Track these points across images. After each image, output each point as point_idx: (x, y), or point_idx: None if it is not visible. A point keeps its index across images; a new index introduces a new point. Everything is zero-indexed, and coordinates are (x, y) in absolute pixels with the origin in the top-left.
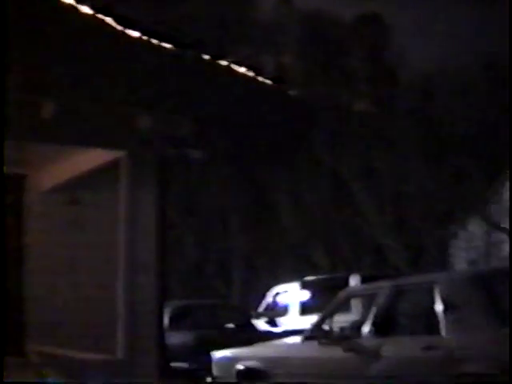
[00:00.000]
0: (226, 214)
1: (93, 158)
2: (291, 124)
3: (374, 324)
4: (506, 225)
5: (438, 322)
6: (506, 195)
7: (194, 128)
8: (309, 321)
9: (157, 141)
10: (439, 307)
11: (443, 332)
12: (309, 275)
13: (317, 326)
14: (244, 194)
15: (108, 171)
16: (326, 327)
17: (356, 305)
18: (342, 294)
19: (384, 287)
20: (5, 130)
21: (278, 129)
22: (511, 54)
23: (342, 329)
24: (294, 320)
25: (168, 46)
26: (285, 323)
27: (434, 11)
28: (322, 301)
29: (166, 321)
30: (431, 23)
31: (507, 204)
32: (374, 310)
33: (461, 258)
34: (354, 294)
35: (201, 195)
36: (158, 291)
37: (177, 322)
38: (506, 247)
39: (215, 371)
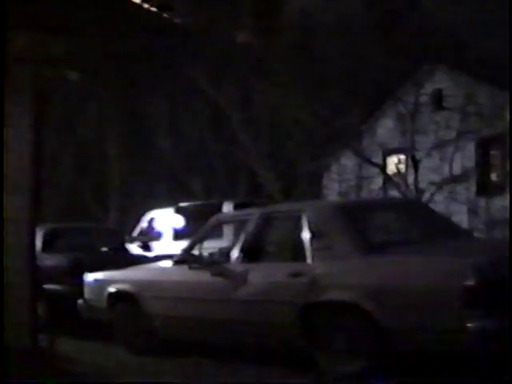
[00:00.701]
0: (103, 138)
1: None
2: (174, 52)
3: (242, 250)
4: (377, 160)
5: (304, 250)
6: (379, 131)
7: (70, 49)
8: (182, 246)
9: (31, 60)
10: (306, 235)
11: (309, 259)
12: (184, 201)
13: (187, 251)
14: (122, 120)
15: None
16: (195, 252)
17: (228, 231)
18: (211, 220)
19: (254, 214)
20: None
21: (160, 56)
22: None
23: (211, 254)
24: (168, 245)
25: None
26: (158, 248)
27: None
28: (195, 227)
29: (39, 243)
30: None
31: (379, 139)
32: (243, 237)
33: (333, 190)
34: (224, 221)
35: (79, 119)
36: (30, 212)
37: (50, 244)
38: (377, 181)
39: (87, 294)
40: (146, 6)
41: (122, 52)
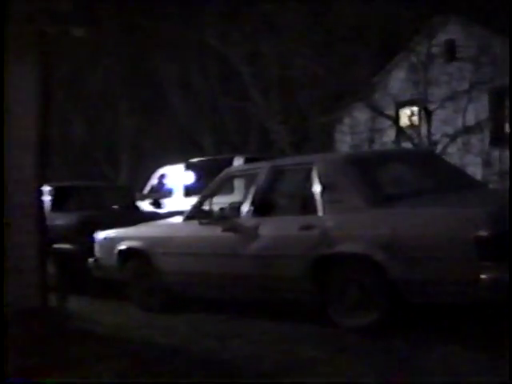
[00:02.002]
0: (113, 96)
1: None
2: (181, 8)
3: (252, 204)
4: (390, 112)
5: (315, 203)
6: (392, 83)
7: (76, 4)
8: (193, 202)
9: (36, 16)
10: (316, 188)
11: (320, 212)
12: (196, 157)
13: (197, 207)
14: (132, 76)
15: None
16: (206, 208)
17: (239, 186)
18: (221, 175)
19: (263, 168)
20: None
21: (169, 11)
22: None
23: (221, 209)
24: (179, 201)
25: None
26: (169, 204)
27: None
28: (206, 182)
29: (48, 202)
30: None
31: (392, 91)
32: (253, 191)
33: (345, 143)
34: (234, 175)
35: (88, 76)
36: (38, 170)
37: (60, 203)
38: (390, 133)
39: (97, 252)
40: None
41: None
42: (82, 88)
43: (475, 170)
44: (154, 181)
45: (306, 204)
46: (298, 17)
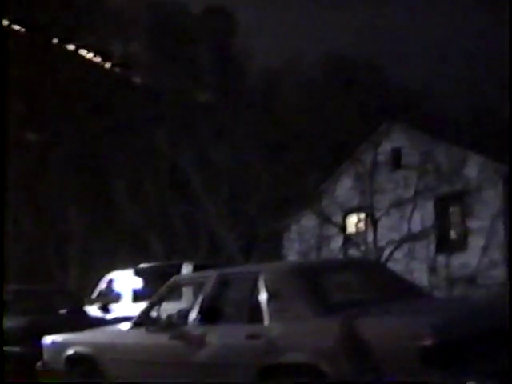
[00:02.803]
0: (64, 198)
1: None
2: (134, 111)
3: (200, 312)
4: (337, 219)
5: (261, 312)
6: (338, 190)
7: (29, 110)
8: (141, 308)
9: None
10: (263, 297)
11: (266, 321)
12: (145, 262)
13: (145, 313)
14: (83, 180)
15: None
16: (153, 314)
17: (187, 293)
18: (169, 283)
19: (211, 276)
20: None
21: (121, 114)
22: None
23: (168, 316)
24: (127, 307)
25: (19, 28)
26: (117, 310)
27: (280, 10)
28: (155, 288)
29: None
30: (278, 21)
31: (339, 199)
32: (200, 299)
33: (293, 250)
34: (182, 283)
35: (40, 179)
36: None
37: (9, 306)
38: (337, 240)
39: (46, 356)
40: (107, 65)
41: (81, 111)
42: (32, 192)
43: (421, 276)
44: (102, 285)
45: (253, 312)
46: (247, 125)
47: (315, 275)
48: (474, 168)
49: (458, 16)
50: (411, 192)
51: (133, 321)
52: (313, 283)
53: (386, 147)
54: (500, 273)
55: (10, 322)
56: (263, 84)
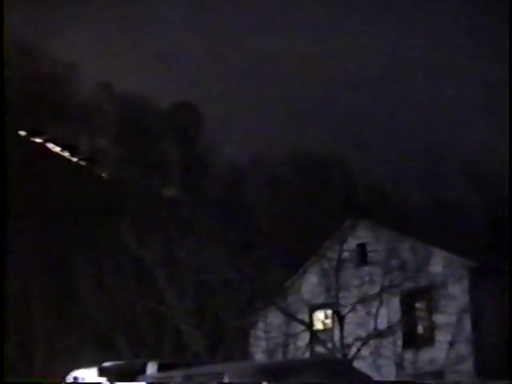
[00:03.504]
0: (29, 294)
1: None
2: (100, 206)
3: None
4: (303, 315)
5: None
6: (304, 287)
7: None
8: None
9: None
10: None
11: None
12: (110, 360)
13: None
14: (48, 276)
15: None
16: None
17: None
18: None
19: (176, 377)
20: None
21: (86, 210)
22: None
23: None
24: None
25: None
26: None
27: (248, 106)
28: None
29: None
30: (243, 116)
31: (304, 295)
32: None
33: (260, 348)
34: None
35: (5, 275)
36: None
37: None
38: (304, 337)
39: None
40: (74, 159)
41: (46, 206)
42: None
43: (389, 372)
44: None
45: None
46: (212, 221)
47: (280, 376)
48: (439, 263)
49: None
50: (377, 288)
51: None
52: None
53: (351, 244)
54: (467, 367)
55: None
56: (229, 180)
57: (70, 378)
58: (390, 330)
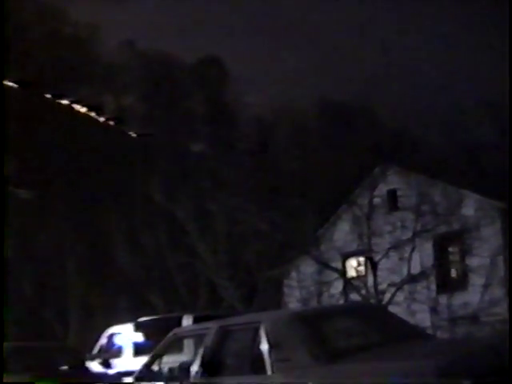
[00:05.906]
0: (62, 254)
1: None
2: (130, 163)
3: (201, 365)
4: (336, 263)
5: (263, 361)
6: (336, 235)
7: (22, 168)
8: (143, 362)
9: None
10: (264, 346)
11: (269, 371)
12: (145, 315)
13: (146, 367)
14: (80, 235)
15: None
16: (155, 368)
17: (188, 345)
18: (169, 336)
19: (211, 328)
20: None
21: (116, 169)
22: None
23: (170, 369)
24: (128, 361)
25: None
26: (119, 364)
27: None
28: (156, 342)
29: None
30: (271, 69)
31: (337, 243)
32: (201, 351)
33: (294, 297)
34: (182, 335)
35: (37, 236)
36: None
37: (10, 364)
38: (337, 285)
39: None
40: (101, 119)
41: (76, 167)
42: (30, 248)
43: (424, 317)
44: (103, 340)
45: (255, 363)
46: (242, 173)
47: (316, 323)
48: (470, 206)
49: (453, 61)
50: (409, 233)
51: (134, 375)
52: (314, 331)
53: (381, 190)
54: (502, 310)
55: (11, 380)
56: (257, 131)
57: (106, 335)
58: (423, 274)
